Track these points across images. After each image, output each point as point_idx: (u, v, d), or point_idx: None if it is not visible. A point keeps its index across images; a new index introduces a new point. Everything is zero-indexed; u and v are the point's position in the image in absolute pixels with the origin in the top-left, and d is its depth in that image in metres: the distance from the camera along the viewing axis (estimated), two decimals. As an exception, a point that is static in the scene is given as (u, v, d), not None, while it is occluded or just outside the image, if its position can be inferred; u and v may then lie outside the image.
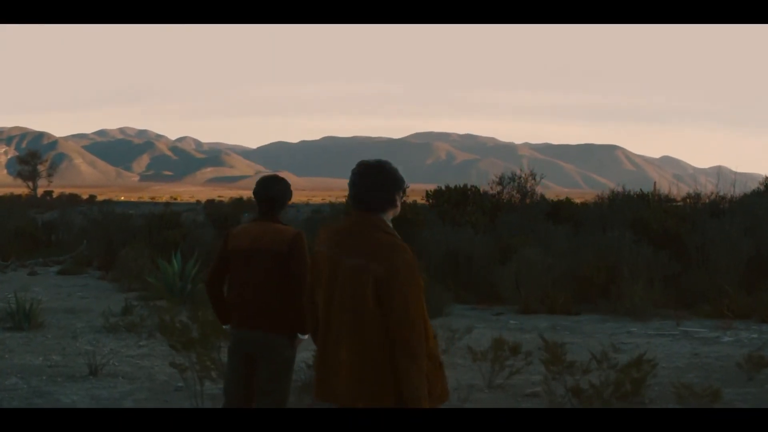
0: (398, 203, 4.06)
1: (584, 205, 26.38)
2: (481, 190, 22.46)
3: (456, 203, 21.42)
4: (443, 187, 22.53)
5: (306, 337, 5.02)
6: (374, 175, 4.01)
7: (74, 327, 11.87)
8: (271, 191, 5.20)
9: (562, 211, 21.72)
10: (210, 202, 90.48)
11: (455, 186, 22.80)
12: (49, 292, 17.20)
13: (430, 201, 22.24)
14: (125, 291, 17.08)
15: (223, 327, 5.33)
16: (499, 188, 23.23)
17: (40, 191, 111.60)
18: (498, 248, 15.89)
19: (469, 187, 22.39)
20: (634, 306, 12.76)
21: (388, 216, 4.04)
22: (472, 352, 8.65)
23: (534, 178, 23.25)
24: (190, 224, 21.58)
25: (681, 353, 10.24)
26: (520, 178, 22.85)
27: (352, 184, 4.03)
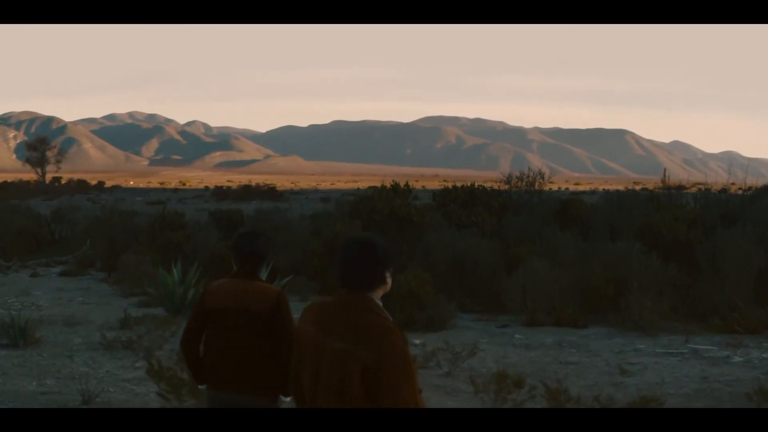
0: (389, 281, 3.83)
1: (593, 199, 26.05)
2: (488, 186, 22.14)
3: (463, 203, 21.15)
4: (450, 187, 22.24)
5: (288, 399, 4.81)
6: (363, 252, 3.78)
7: (71, 343, 11.68)
8: (255, 246, 4.92)
9: (570, 208, 21.42)
10: (218, 189, 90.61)
11: (462, 185, 22.53)
12: (50, 296, 17.04)
13: (436, 200, 21.96)
14: (127, 296, 16.89)
15: (200, 387, 5.10)
16: (506, 187, 22.93)
17: (48, 177, 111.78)
18: (504, 257, 15.63)
19: (476, 186, 22.10)
20: (643, 320, 12.49)
21: (378, 294, 3.81)
22: (475, 384, 8.42)
23: (542, 177, 22.97)
24: (193, 225, 21.38)
25: (690, 376, 9.98)
26: (528, 177, 22.56)
27: (340, 262, 3.80)
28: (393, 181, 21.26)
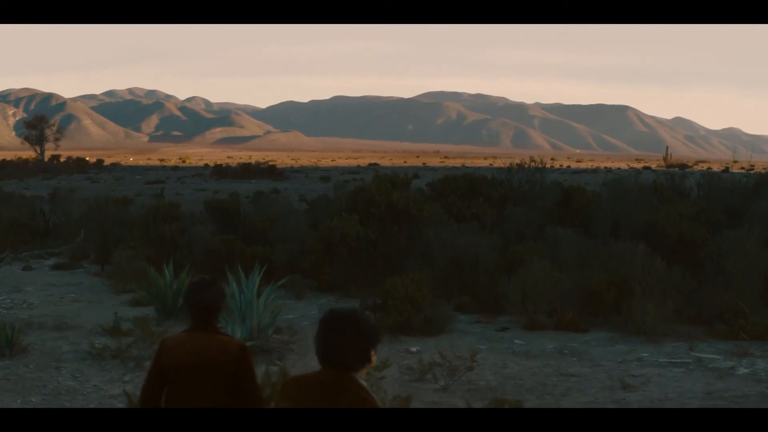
0: (373, 359, 3.51)
1: (596, 179, 25.74)
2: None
3: (463, 194, 20.79)
4: (449, 177, 21.88)
5: None
6: (346, 329, 3.46)
7: (59, 351, 11.37)
8: (208, 297, 4.56)
9: (572, 199, 21.04)
10: (218, 167, 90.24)
11: (463, 174, 22.18)
12: (42, 293, 16.75)
13: (435, 191, 21.59)
14: (119, 293, 16.59)
15: None
16: (507, 176, 22.56)
17: (47, 155, 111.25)
18: (504, 255, 15.31)
19: (476, 176, 21.73)
20: (646, 326, 12.17)
21: (362, 373, 3.50)
22: (470, 406, 8.11)
23: (543, 165, 22.60)
24: (189, 216, 21.03)
25: (693, 391, 9.67)
26: (529, 167, 22.19)
27: (321, 338, 3.48)
28: (392, 171, 20.89)
